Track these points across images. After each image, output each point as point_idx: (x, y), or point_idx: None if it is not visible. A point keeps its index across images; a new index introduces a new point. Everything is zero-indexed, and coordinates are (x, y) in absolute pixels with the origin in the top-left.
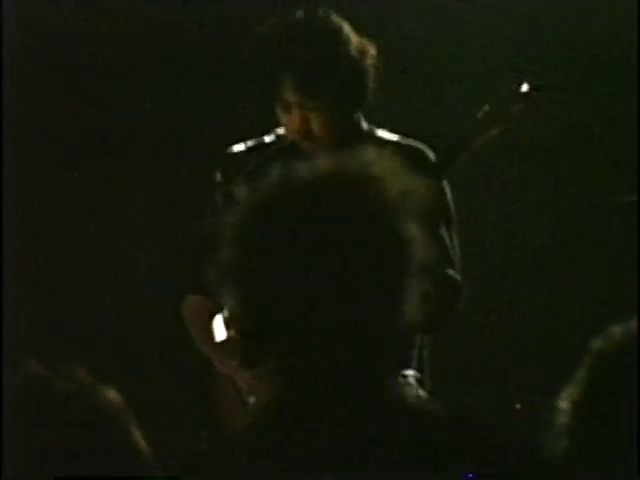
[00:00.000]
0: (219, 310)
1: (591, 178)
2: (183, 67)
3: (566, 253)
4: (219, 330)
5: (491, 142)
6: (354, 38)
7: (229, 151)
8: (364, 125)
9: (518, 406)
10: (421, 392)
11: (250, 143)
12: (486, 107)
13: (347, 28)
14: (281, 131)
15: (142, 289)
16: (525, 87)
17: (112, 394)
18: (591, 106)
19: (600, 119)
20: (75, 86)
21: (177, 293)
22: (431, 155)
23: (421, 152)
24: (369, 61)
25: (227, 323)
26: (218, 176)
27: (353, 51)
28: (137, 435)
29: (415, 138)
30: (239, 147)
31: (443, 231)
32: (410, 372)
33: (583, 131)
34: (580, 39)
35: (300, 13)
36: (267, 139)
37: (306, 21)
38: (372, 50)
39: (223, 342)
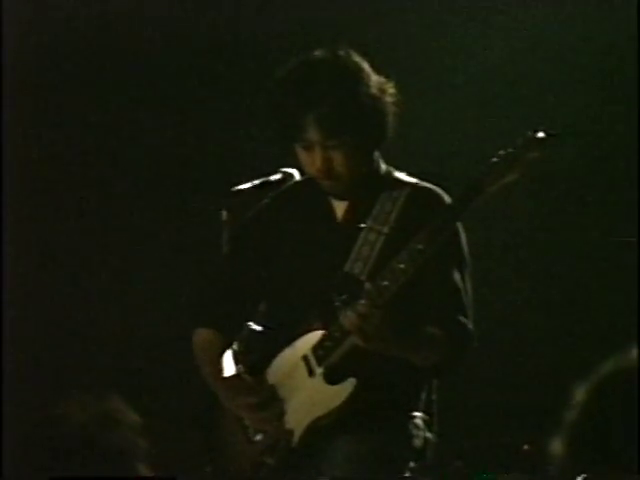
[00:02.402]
0: (229, 345)
1: (594, 218)
2: (201, 104)
3: (571, 292)
4: (228, 366)
5: (506, 187)
6: (374, 77)
7: (235, 189)
8: (382, 165)
9: (526, 447)
10: (429, 435)
11: (256, 182)
12: (501, 152)
13: (367, 67)
14: (288, 170)
15: (152, 322)
16: (541, 134)
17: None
18: (596, 151)
19: (604, 162)
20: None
21: (187, 327)
22: (446, 198)
23: (437, 195)
24: (389, 99)
25: (236, 358)
26: (224, 214)
27: (374, 90)
28: (141, 468)
29: (430, 180)
30: (245, 185)
31: (456, 275)
32: (418, 414)
33: (588, 172)
34: (592, 86)
35: (320, 52)
36: (273, 178)
37: (327, 61)
38: (391, 89)
39: (232, 378)
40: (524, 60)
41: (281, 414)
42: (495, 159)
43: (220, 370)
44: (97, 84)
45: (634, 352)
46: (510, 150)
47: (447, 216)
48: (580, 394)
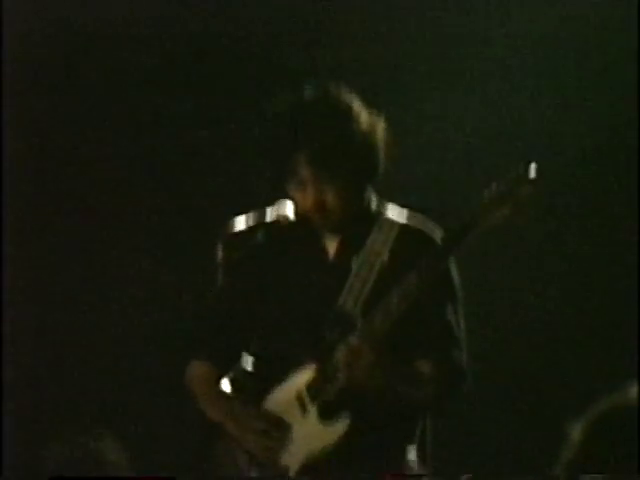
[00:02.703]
0: (224, 374)
1: (592, 251)
2: (189, 144)
3: (569, 326)
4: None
5: (499, 222)
6: (364, 113)
7: (230, 230)
8: (374, 200)
9: None
10: (422, 471)
11: (251, 222)
12: (493, 186)
13: (357, 103)
14: (283, 207)
15: (145, 355)
16: (533, 170)
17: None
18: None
19: (603, 191)
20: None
21: (181, 360)
22: (438, 235)
23: (427, 235)
24: (379, 135)
25: (233, 384)
26: (219, 254)
27: (364, 126)
28: None
29: (421, 211)
30: (240, 226)
31: (449, 311)
32: (412, 450)
33: (586, 204)
34: (586, 116)
35: (311, 90)
36: (269, 218)
37: (319, 99)
38: (381, 125)
39: (238, 404)
40: (522, 89)
41: (285, 444)
42: (487, 193)
43: (223, 398)
44: (97, 84)
45: (632, 390)
46: (502, 186)
47: (439, 253)
48: (577, 432)
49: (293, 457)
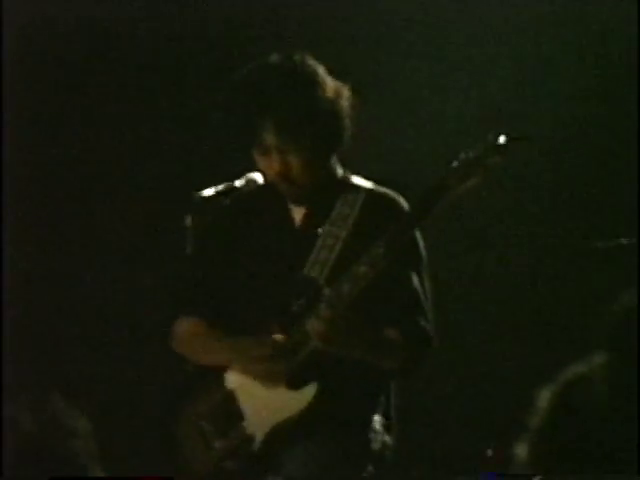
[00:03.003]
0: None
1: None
2: (158, 111)
3: (538, 294)
4: None
5: (468, 192)
6: (329, 81)
7: (199, 195)
8: (339, 170)
9: (490, 452)
10: (387, 438)
11: (220, 187)
12: (462, 155)
13: (322, 71)
14: (252, 175)
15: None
16: (502, 138)
17: (82, 426)
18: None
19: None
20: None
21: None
22: (404, 203)
23: (393, 200)
24: (345, 103)
25: None
26: (188, 220)
27: (329, 94)
28: (96, 471)
29: (388, 185)
30: (209, 191)
31: (415, 279)
32: (377, 418)
33: (577, 174)
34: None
35: (276, 57)
36: (237, 183)
37: (283, 65)
38: (347, 92)
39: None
40: (495, 60)
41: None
42: (455, 163)
43: (222, 338)
44: (97, 85)
45: (597, 358)
46: (471, 155)
47: (408, 221)
48: (544, 399)
49: (259, 426)
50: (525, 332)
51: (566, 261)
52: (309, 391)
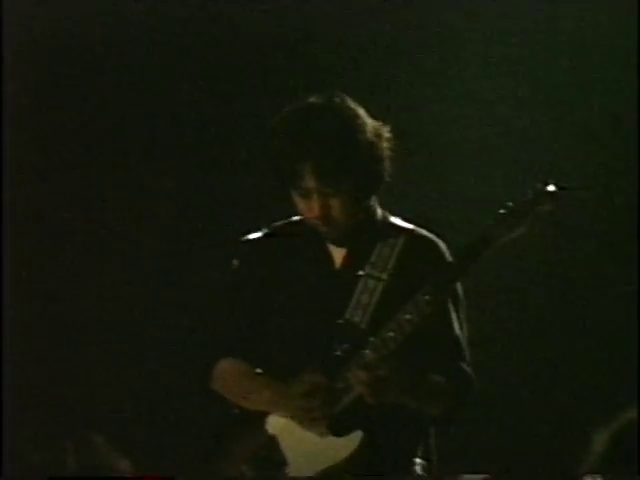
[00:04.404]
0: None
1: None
2: (201, 154)
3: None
4: None
5: (514, 240)
6: (369, 122)
7: (245, 238)
8: (379, 210)
9: None
10: None
11: (266, 230)
12: (509, 204)
13: (362, 113)
14: (295, 218)
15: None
16: (552, 187)
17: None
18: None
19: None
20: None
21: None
22: (443, 246)
23: (433, 243)
24: (385, 144)
25: None
26: (235, 263)
27: (370, 135)
28: None
29: (431, 230)
30: (255, 234)
31: (456, 325)
32: (418, 460)
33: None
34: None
35: (315, 99)
36: (278, 226)
37: (323, 107)
38: (387, 133)
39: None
40: (532, 108)
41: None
42: (503, 211)
43: (262, 380)
44: (97, 86)
45: None
46: (519, 203)
47: (455, 269)
48: (601, 440)
49: (302, 473)
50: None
51: (618, 303)
52: (354, 439)
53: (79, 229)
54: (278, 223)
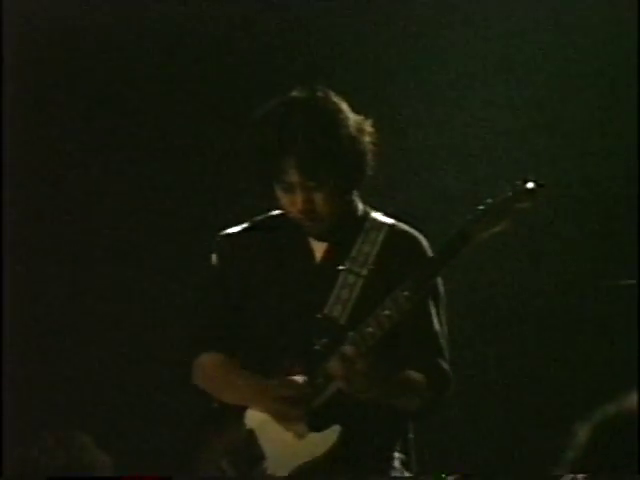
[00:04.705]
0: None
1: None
2: (184, 146)
3: (570, 331)
4: None
5: (493, 237)
6: (352, 117)
7: (223, 233)
8: (360, 205)
9: None
10: (406, 474)
11: (245, 225)
12: (489, 201)
13: (345, 107)
14: (275, 212)
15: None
16: (530, 184)
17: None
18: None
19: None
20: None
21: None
22: (424, 241)
23: (414, 238)
24: (367, 139)
25: None
26: (213, 258)
27: (352, 130)
28: None
29: (406, 221)
30: (232, 229)
31: (436, 321)
32: (397, 454)
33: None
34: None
35: (298, 92)
36: (259, 220)
37: (306, 101)
38: (370, 128)
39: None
40: (516, 106)
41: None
42: (482, 208)
43: (244, 376)
44: (97, 85)
45: (634, 396)
46: (499, 200)
47: (434, 265)
48: (584, 433)
49: (280, 467)
50: (563, 365)
51: (601, 297)
52: (332, 433)
53: (79, 229)
54: (258, 217)
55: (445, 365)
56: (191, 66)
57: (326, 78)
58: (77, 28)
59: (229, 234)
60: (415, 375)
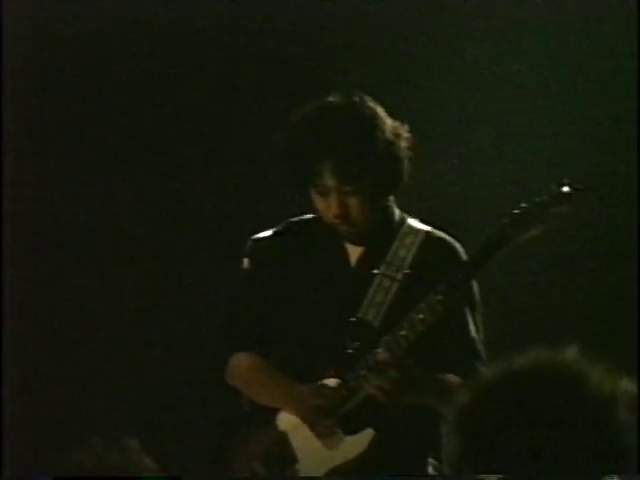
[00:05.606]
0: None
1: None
2: (215, 148)
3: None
4: None
5: (529, 241)
6: (389, 122)
7: (255, 237)
8: (396, 211)
9: None
10: None
11: (277, 227)
12: (524, 205)
13: (382, 112)
14: (308, 216)
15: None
16: (567, 188)
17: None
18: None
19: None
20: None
21: (219, 355)
22: (460, 248)
23: (450, 245)
24: (403, 144)
25: None
26: (245, 261)
27: (389, 135)
28: None
29: (447, 232)
30: (266, 233)
31: (472, 326)
32: (431, 461)
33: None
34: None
35: (335, 98)
36: (294, 222)
37: (342, 106)
38: (405, 133)
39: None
40: (550, 109)
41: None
42: (518, 211)
43: (278, 379)
44: (97, 85)
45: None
46: (535, 203)
47: (468, 270)
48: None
49: (313, 470)
50: None
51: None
52: (365, 437)
53: (80, 229)
54: (291, 220)
55: (482, 368)
56: (219, 68)
57: (361, 83)
58: (77, 28)
59: (261, 238)
60: (453, 379)
